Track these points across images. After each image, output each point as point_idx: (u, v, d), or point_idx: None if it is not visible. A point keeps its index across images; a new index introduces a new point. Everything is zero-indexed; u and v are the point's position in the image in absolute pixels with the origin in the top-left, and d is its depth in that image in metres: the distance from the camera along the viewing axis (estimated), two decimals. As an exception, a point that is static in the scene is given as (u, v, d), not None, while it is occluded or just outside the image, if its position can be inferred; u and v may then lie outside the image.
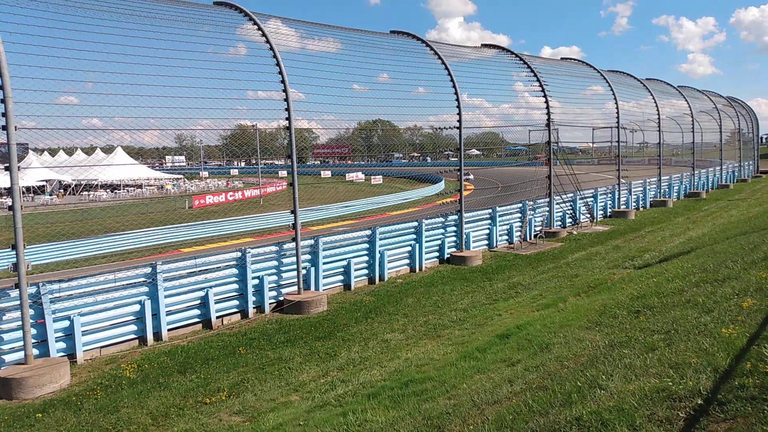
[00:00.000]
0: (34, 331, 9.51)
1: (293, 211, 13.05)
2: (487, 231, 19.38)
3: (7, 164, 9.36)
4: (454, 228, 17.85)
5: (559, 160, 22.68)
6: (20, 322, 9.24)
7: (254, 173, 61.36)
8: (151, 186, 60.84)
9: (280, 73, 12.84)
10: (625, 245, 18.11)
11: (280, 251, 13.21)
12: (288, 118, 12.92)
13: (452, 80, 17.02)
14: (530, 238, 20.54)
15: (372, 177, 57.86)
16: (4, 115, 9.17)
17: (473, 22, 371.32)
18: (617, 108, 25.89)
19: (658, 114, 30.07)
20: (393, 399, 6.69)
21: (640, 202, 28.77)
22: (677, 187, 32.86)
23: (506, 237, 20.15)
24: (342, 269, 14.59)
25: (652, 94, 30.06)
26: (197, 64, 12.27)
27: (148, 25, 11.73)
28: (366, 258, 15.16)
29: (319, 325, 11.47)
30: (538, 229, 20.87)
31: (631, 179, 28.03)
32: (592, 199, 24.73)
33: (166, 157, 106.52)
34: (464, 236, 17.80)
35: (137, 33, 11.25)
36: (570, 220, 23.23)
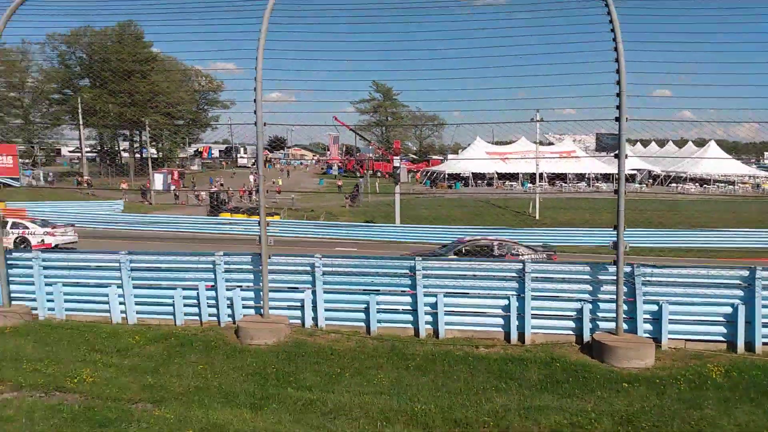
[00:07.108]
0: (624, 307, 10.12)
1: None
2: None
3: (616, 152, 10.16)
4: None
5: None
6: (614, 296, 10.00)
7: None
8: (744, 184, 55.68)
9: None
10: None
11: None
12: None
13: None
14: None
15: None
16: (618, 107, 9.93)
17: None
18: None
19: None
20: None
21: None
22: None
23: None
24: None
25: None
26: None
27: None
28: None
29: None
30: None
31: None
32: None
33: (765, 153, 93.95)
34: None
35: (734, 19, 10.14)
36: None
